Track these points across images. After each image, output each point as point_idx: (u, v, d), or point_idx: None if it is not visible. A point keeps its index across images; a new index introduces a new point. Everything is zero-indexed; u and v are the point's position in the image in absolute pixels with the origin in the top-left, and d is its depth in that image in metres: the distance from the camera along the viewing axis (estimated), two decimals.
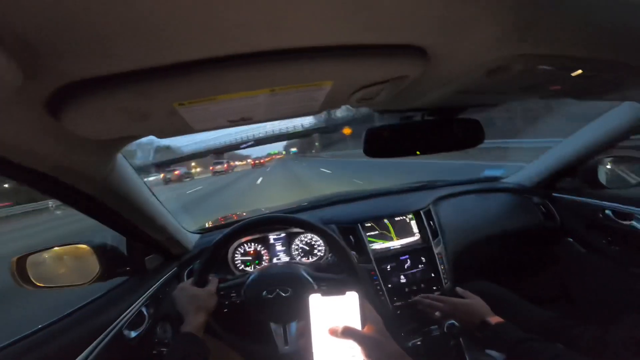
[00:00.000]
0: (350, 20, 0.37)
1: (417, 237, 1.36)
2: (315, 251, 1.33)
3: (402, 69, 0.52)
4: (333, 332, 0.56)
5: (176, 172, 33.23)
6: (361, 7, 0.34)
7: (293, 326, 0.93)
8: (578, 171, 1.44)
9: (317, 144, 62.57)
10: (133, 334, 0.90)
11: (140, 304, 0.94)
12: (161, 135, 0.66)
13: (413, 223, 1.38)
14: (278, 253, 1.33)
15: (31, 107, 0.43)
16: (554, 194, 1.52)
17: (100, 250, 0.91)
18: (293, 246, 1.33)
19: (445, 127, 0.89)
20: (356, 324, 0.57)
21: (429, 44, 0.46)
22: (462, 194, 1.59)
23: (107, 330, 0.81)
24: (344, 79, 0.51)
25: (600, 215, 1.33)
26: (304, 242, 1.34)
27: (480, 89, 0.69)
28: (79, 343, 0.74)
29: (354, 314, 0.57)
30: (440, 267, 1.29)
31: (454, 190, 1.59)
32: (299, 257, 1.33)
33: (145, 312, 0.96)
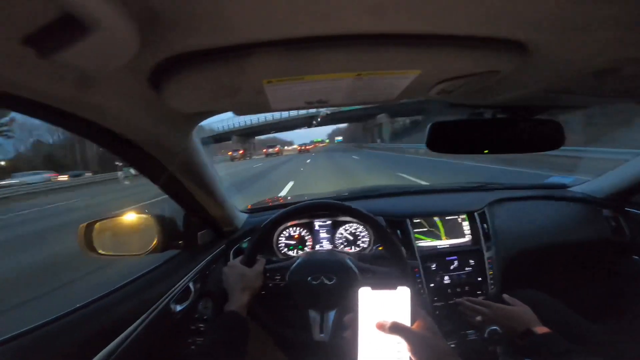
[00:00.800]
0: (453, 10, 0.35)
1: (467, 238, 1.30)
2: (359, 242, 1.31)
3: (496, 64, 0.49)
4: (381, 327, 0.55)
5: (241, 152, 41.99)
6: None
7: (331, 315, 0.93)
8: None
9: (383, 130, 41.52)
10: (178, 308, 0.93)
11: (188, 278, 0.97)
12: (239, 112, 0.68)
13: (465, 224, 1.32)
14: (322, 240, 1.33)
15: (137, 77, 0.45)
16: (627, 208, 1.39)
17: (160, 222, 0.94)
18: (337, 234, 1.32)
19: (520, 127, 0.82)
20: (405, 320, 0.56)
21: (534, 41, 0.43)
22: (523, 199, 1.49)
23: (157, 304, 0.85)
24: (433, 69, 0.49)
25: None
26: (348, 232, 1.32)
27: (575, 91, 0.64)
28: (129, 315, 0.78)
29: (404, 309, 0.56)
30: (489, 272, 1.23)
31: (514, 195, 1.50)
32: (342, 245, 1.32)
33: (191, 287, 1.00)
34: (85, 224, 0.89)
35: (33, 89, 0.39)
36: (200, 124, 0.75)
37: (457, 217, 1.32)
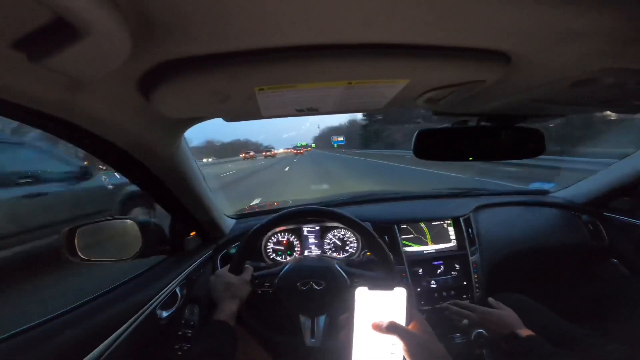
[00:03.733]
0: (441, 22, 0.37)
1: (453, 243, 1.32)
2: (347, 247, 1.32)
3: (482, 74, 0.50)
4: (377, 327, 0.55)
5: (251, 154, 62.81)
6: (455, 11, 0.34)
7: (322, 320, 0.93)
8: (636, 192, 1.34)
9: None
10: (164, 314, 0.91)
11: (175, 284, 0.96)
12: (229, 118, 0.68)
13: (450, 229, 1.34)
14: (310, 246, 1.33)
15: (127, 83, 0.44)
16: (605, 214, 1.43)
17: (144, 227, 0.93)
18: (325, 240, 1.33)
19: (503, 135, 0.84)
20: (401, 321, 0.56)
21: (517, 52, 0.45)
22: (506, 205, 1.53)
23: (142, 309, 0.83)
24: (421, 78, 0.50)
25: None
26: (336, 237, 1.33)
27: (557, 100, 0.66)
28: (114, 321, 0.76)
29: (400, 310, 0.56)
30: (474, 276, 1.25)
31: (497, 200, 1.53)
32: (331, 251, 1.32)
33: (178, 293, 0.98)
34: (67, 229, 0.87)
35: (22, 93, 0.38)
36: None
37: (442, 222, 1.34)
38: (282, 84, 0.48)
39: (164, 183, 0.84)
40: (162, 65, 0.41)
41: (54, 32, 0.28)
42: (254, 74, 0.44)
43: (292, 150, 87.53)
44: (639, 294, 1.25)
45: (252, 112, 0.63)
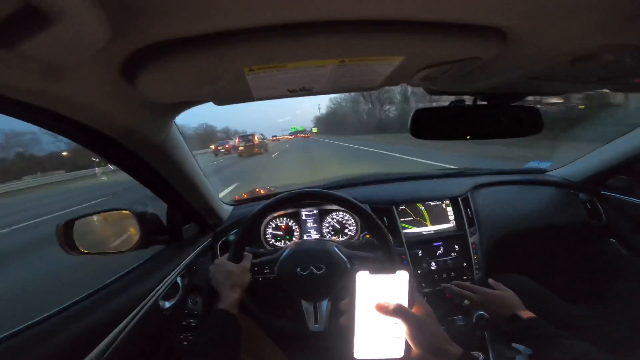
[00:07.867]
0: None
1: (452, 224, 1.32)
2: (346, 230, 1.32)
3: (477, 51, 0.49)
4: (381, 309, 0.55)
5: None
6: None
7: (324, 304, 0.93)
8: (633, 170, 1.35)
9: None
10: (167, 304, 0.91)
11: (175, 274, 0.96)
12: (220, 101, 0.66)
13: (449, 209, 1.34)
14: (309, 230, 1.33)
15: (108, 68, 0.43)
16: (603, 192, 1.43)
17: (142, 218, 0.92)
18: (324, 223, 1.33)
19: (500, 113, 0.83)
20: (403, 304, 0.56)
21: (512, 28, 0.44)
22: (503, 184, 1.53)
23: (144, 301, 0.83)
24: (415, 55, 0.49)
25: None
26: (335, 220, 1.33)
27: (554, 77, 0.65)
28: (117, 313, 0.76)
29: (402, 294, 0.56)
30: (474, 257, 1.26)
31: (494, 179, 1.53)
32: (330, 234, 1.32)
33: (179, 283, 0.98)
34: (63, 222, 0.86)
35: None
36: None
37: (440, 202, 1.34)
38: (272, 63, 0.46)
39: (157, 171, 0.82)
40: (146, 48, 0.40)
41: (24, 17, 0.26)
42: (242, 55, 0.43)
43: (287, 136, 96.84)
44: (636, 274, 1.26)
45: (243, 94, 0.61)
